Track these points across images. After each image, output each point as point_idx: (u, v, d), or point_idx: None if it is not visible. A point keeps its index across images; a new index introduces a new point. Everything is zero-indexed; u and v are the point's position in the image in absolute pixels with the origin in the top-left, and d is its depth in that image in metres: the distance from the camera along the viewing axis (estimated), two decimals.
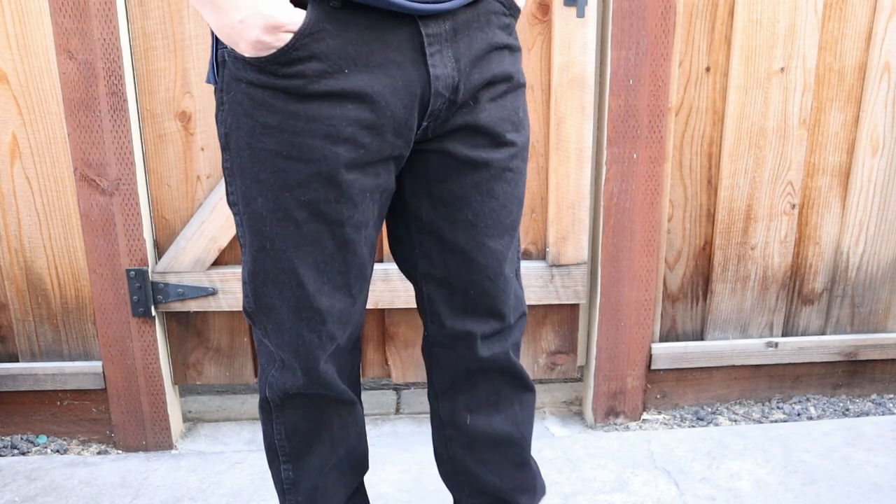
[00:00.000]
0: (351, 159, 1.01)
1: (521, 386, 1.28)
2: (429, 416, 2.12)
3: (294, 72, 0.97)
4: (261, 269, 1.08)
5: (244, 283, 1.11)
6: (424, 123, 1.05)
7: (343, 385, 1.20)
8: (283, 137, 0.99)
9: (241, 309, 1.88)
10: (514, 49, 1.11)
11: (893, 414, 2.07)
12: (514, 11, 1.10)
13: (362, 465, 1.31)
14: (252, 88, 0.99)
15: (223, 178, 0.98)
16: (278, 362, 1.16)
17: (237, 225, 1.11)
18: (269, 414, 1.21)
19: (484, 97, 1.07)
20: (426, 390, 2.22)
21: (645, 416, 2.06)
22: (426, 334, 1.26)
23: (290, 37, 0.94)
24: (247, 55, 0.96)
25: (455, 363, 1.23)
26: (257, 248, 1.07)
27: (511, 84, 1.10)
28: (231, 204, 1.09)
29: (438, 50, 1.01)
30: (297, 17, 0.94)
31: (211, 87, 1.79)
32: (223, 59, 1.01)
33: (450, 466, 1.32)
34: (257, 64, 0.97)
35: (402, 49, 0.99)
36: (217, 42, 1.02)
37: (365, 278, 1.13)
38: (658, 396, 2.06)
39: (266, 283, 1.08)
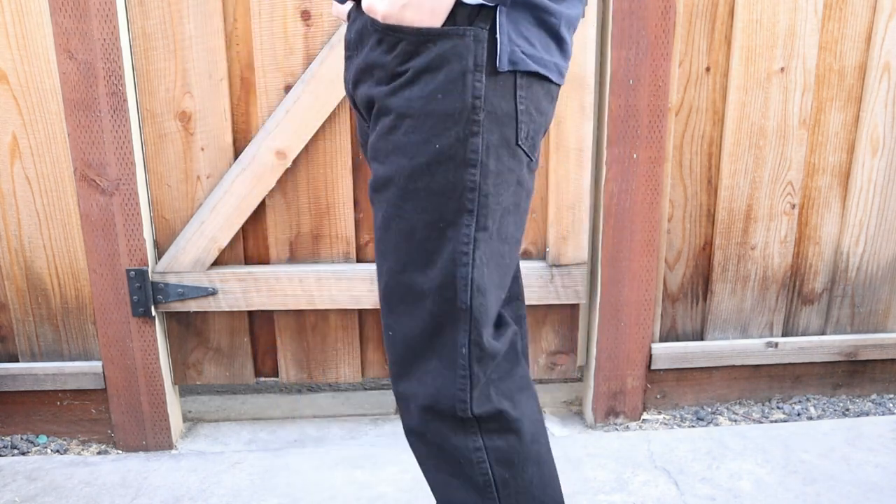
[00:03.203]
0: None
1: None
2: None
3: None
4: None
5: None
6: (366, 124, 1.09)
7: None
8: None
9: (240, 308, 1.89)
10: (388, 69, 0.99)
11: (893, 414, 2.06)
12: (378, 25, 0.99)
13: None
14: None
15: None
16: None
17: None
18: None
19: (371, 115, 1.04)
20: None
21: (645, 416, 2.06)
22: None
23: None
24: None
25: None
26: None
27: (377, 109, 1.01)
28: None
29: (349, 56, 1.07)
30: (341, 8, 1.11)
31: (211, 88, 1.80)
32: None
33: None
34: None
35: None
36: None
37: None
38: (658, 396, 2.06)
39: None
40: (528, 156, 1.02)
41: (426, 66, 0.95)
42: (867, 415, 2.06)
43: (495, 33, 0.95)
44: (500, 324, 1.10)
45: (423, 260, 1.01)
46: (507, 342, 1.08)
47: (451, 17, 0.95)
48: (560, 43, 1.01)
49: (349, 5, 1.11)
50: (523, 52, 0.97)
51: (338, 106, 1.80)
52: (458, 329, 1.03)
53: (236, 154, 1.84)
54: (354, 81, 1.06)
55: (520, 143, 1.00)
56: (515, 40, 0.96)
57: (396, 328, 1.06)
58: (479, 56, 0.95)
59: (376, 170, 1.02)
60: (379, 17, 0.96)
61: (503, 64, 0.96)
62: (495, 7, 0.95)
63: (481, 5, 0.95)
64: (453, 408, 1.04)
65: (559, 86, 1.05)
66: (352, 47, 1.06)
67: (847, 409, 2.08)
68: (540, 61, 0.98)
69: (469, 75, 0.95)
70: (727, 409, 2.08)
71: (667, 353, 2.00)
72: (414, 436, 1.10)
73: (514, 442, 1.08)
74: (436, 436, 1.07)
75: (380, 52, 0.99)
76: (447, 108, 0.96)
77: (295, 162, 1.83)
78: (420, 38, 0.95)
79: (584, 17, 1.75)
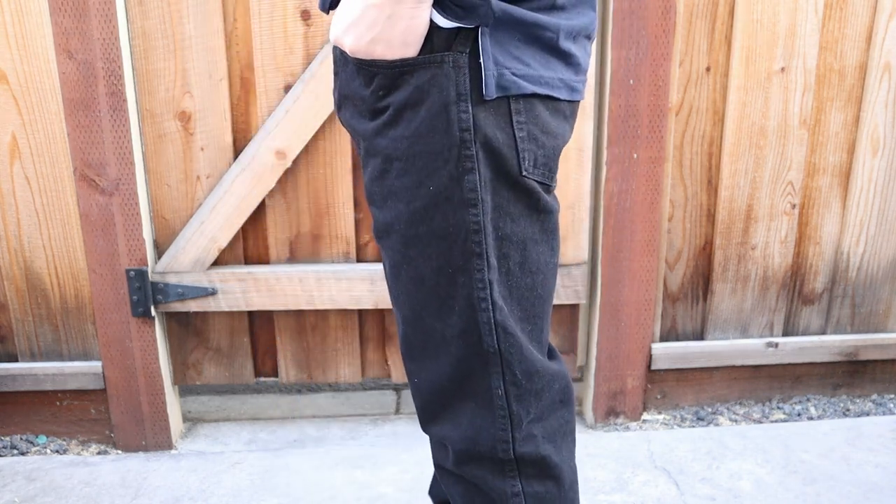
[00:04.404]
0: None
1: None
2: None
3: None
4: None
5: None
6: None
7: None
8: None
9: (240, 308, 1.88)
10: (370, 105, 0.91)
11: (894, 414, 2.06)
12: (353, 60, 0.90)
13: None
14: None
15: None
16: None
17: None
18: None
19: (359, 148, 0.97)
20: None
21: (645, 416, 2.06)
22: None
23: None
24: None
25: None
26: None
27: (365, 147, 0.93)
28: None
29: (336, 72, 1.00)
30: None
31: (211, 88, 1.80)
32: None
33: None
34: None
35: None
36: None
37: None
38: (658, 396, 2.06)
39: None
40: (540, 182, 0.93)
41: (405, 102, 0.87)
42: (867, 415, 2.05)
43: (478, 57, 0.85)
44: (551, 355, 1.03)
45: (438, 307, 0.94)
46: (553, 378, 1.01)
47: (428, 44, 0.85)
48: (563, 56, 0.91)
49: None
50: (514, 74, 0.87)
51: None
52: (490, 372, 0.96)
53: (236, 154, 1.84)
54: (338, 104, 1.00)
55: (525, 173, 0.90)
56: (504, 62, 0.86)
57: (421, 375, 1.00)
58: (462, 84, 0.85)
59: (375, 215, 0.95)
60: (347, 51, 0.88)
61: (490, 91, 0.86)
62: (476, 28, 0.85)
63: (459, 28, 0.85)
64: (494, 449, 0.98)
65: (573, 101, 0.95)
66: (337, 63, 0.99)
67: (847, 410, 2.08)
68: (538, 80, 0.88)
69: (452, 107, 0.86)
70: (727, 409, 2.08)
71: (667, 353, 2.00)
72: (448, 474, 1.05)
73: (552, 489, 1.03)
74: (473, 477, 1.01)
75: (358, 84, 0.92)
76: (434, 146, 0.87)
77: (295, 162, 1.83)
78: (395, 70, 0.86)
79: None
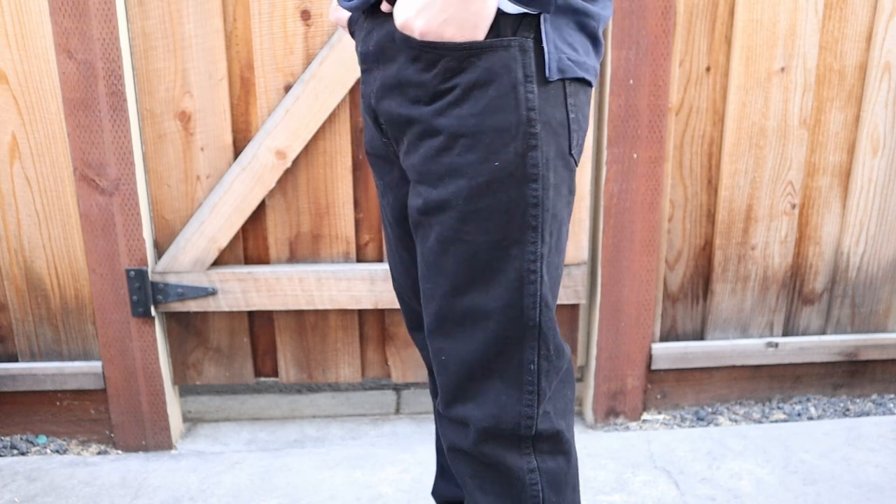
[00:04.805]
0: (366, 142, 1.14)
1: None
2: (429, 415, 2.12)
3: None
4: None
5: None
6: (384, 139, 1.07)
7: None
8: None
9: (240, 308, 1.88)
10: (431, 89, 0.94)
11: (894, 414, 2.06)
12: (414, 41, 0.93)
13: None
14: None
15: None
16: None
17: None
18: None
19: (404, 137, 1.00)
20: (426, 389, 2.22)
21: (645, 416, 2.06)
22: None
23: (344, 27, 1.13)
24: None
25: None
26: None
27: (420, 130, 0.97)
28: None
29: (367, 69, 1.02)
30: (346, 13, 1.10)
31: (211, 88, 1.80)
32: None
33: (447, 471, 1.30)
34: None
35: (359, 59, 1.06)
36: None
37: (394, 265, 1.19)
38: (658, 396, 2.06)
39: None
40: (576, 163, 1.01)
41: (474, 82, 0.91)
42: (868, 415, 2.05)
43: (541, 42, 0.92)
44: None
45: (485, 281, 0.97)
46: (566, 360, 1.06)
47: (494, 28, 0.91)
48: (597, 45, 0.99)
49: (349, 14, 1.09)
50: (569, 59, 0.93)
51: (338, 106, 1.80)
52: (526, 347, 1.00)
53: (236, 154, 1.84)
54: (379, 95, 1.00)
55: (572, 152, 0.98)
56: (561, 47, 0.93)
57: (452, 352, 1.02)
58: (528, 66, 0.91)
59: (426, 193, 0.97)
60: (416, 35, 0.91)
61: (553, 72, 0.92)
62: (538, 15, 0.91)
63: (524, 14, 0.91)
64: (518, 426, 1.02)
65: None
66: (370, 60, 1.01)
67: (847, 410, 2.08)
68: (584, 66, 0.95)
69: (520, 87, 0.91)
70: (727, 409, 2.08)
71: (667, 353, 2.00)
72: (462, 456, 1.06)
73: (563, 464, 1.06)
74: (490, 456, 1.04)
75: (416, 70, 0.94)
76: (503, 123, 0.92)
77: (295, 162, 1.83)
78: (464, 53, 0.90)
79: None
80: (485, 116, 0.92)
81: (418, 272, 1.04)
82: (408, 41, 0.93)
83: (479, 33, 0.89)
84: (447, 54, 0.91)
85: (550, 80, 0.93)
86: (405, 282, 1.20)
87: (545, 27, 0.92)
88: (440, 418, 1.10)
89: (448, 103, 0.93)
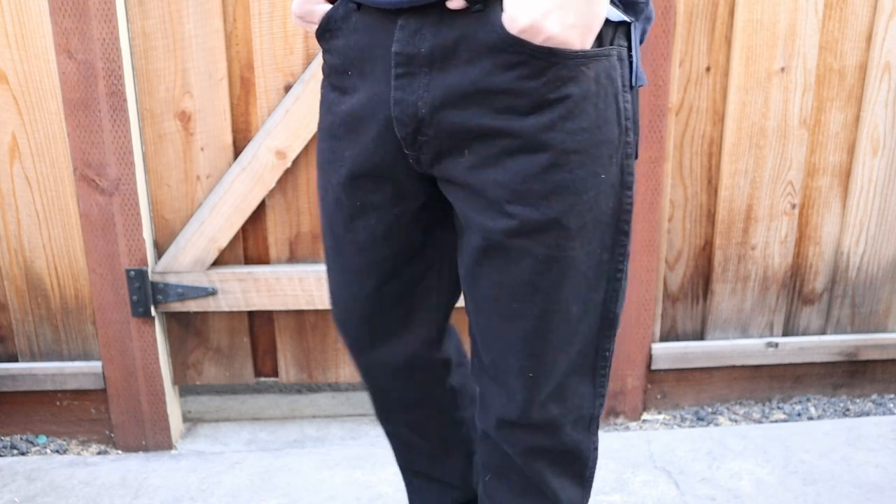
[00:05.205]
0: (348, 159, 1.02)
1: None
2: None
3: (325, 60, 1.03)
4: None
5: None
6: (407, 152, 0.96)
7: None
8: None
9: (240, 308, 1.89)
10: (529, 96, 0.87)
11: (894, 414, 2.06)
12: (519, 45, 0.85)
13: None
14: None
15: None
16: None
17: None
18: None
19: (476, 149, 0.92)
20: None
21: (645, 416, 2.06)
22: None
23: (314, 24, 1.01)
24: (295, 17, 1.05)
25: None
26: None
27: (514, 144, 0.89)
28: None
29: (408, 72, 0.91)
30: (324, 7, 0.99)
31: (211, 88, 1.79)
32: None
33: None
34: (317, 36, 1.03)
35: (380, 61, 0.93)
36: None
37: (348, 291, 1.13)
38: (658, 396, 2.06)
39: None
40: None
41: (585, 93, 0.87)
42: (868, 415, 2.05)
43: (630, 50, 0.91)
44: None
45: (584, 290, 0.96)
46: None
47: (598, 37, 0.88)
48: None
49: (328, 7, 1.00)
50: (639, 65, 0.94)
51: None
52: (606, 336, 1.02)
53: (236, 154, 1.84)
54: (437, 105, 0.91)
55: (637, 151, 0.98)
56: (636, 56, 0.92)
57: (544, 363, 1.00)
58: (624, 76, 0.90)
59: (523, 213, 0.91)
60: (540, 40, 0.84)
61: (640, 80, 0.92)
62: (630, 23, 0.90)
63: (620, 22, 0.89)
64: (593, 409, 1.06)
65: None
66: (419, 63, 0.91)
67: (847, 410, 2.08)
68: (641, 73, 0.95)
69: (620, 97, 0.90)
70: (727, 409, 2.08)
71: (667, 353, 2.00)
72: (540, 452, 1.07)
73: (596, 440, 1.11)
74: (570, 444, 1.07)
75: (514, 77, 0.87)
76: (609, 135, 0.90)
77: (295, 162, 1.83)
78: (577, 61, 0.86)
79: None
80: (595, 131, 0.89)
81: (482, 293, 0.98)
82: (506, 45, 0.86)
83: (589, 41, 0.85)
84: (561, 62, 0.85)
85: (634, 87, 0.93)
86: (359, 304, 1.12)
87: (634, 35, 0.91)
88: (503, 429, 1.06)
89: (559, 117, 0.87)
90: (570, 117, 0.87)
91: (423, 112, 0.92)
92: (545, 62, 0.85)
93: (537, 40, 0.84)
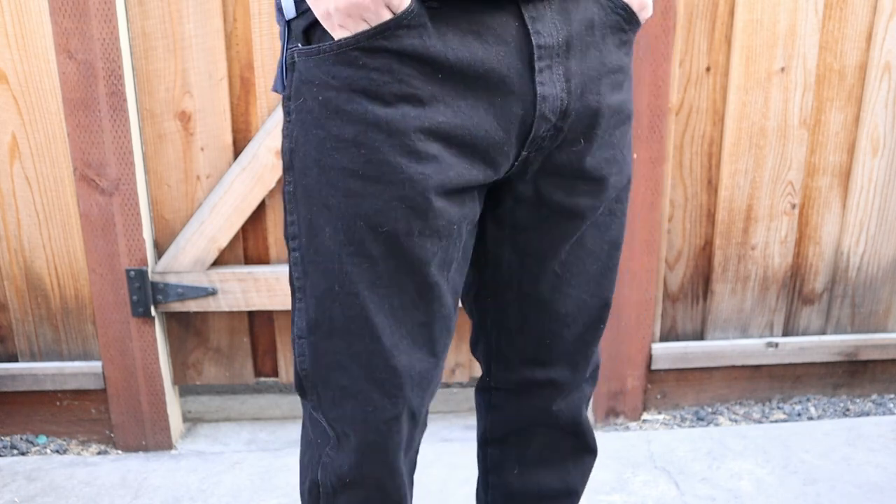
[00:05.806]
0: (440, 182, 0.84)
1: (583, 447, 1.17)
2: (433, 417, 2.12)
3: (379, 65, 0.80)
4: (326, 317, 0.88)
5: (299, 338, 0.91)
6: (524, 153, 0.90)
7: (404, 478, 0.99)
8: (358, 152, 0.82)
9: (240, 308, 1.88)
10: (628, 73, 0.95)
11: (894, 414, 2.06)
12: (634, 25, 0.93)
13: None
14: (325, 91, 0.82)
15: (283, 206, 0.91)
16: (333, 439, 0.95)
17: (294, 263, 0.90)
18: (318, 501, 1.00)
19: (593, 133, 0.92)
20: None
21: (645, 416, 2.06)
22: (487, 378, 1.14)
23: (389, 15, 0.79)
24: (336, 26, 0.80)
25: (517, 412, 1.13)
26: (323, 290, 0.87)
27: (621, 117, 0.95)
28: (289, 237, 0.90)
29: (549, 65, 0.86)
30: None
31: (211, 88, 1.79)
32: (292, 60, 0.85)
33: None
34: (338, 50, 0.80)
35: (507, 59, 0.84)
36: (287, 41, 0.87)
37: (450, 333, 0.95)
38: (658, 396, 2.06)
39: (331, 335, 0.88)
40: None
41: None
42: (867, 415, 2.05)
43: None
44: None
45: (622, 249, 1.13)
46: None
47: None
48: None
49: None
50: None
51: None
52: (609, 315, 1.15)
53: (236, 154, 1.84)
54: (578, 93, 0.89)
55: None
56: None
57: (595, 348, 1.13)
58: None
59: (628, 169, 1.00)
60: (645, 17, 0.94)
61: None
62: None
63: None
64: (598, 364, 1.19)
65: None
66: (560, 52, 0.87)
67: (847, 410, 2.08)
68: None
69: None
70: (727, 409, 2.08)
71: (667, 353, 2.00)
72: (586, 405, 1.18)
73: None
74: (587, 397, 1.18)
75: (622, 55, 0.93)
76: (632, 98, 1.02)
77: None
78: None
79: None
80: (632, 94, 0.99)
81: (567, 279, 1.04)
82: (622, 23, 0.92)
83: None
84: (634, 30, 0.94)
85: None
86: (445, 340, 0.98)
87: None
88: (571, 394, 1.12)
89: (630, 86, 0.97)
90: (631, 86, 0.98)
91: (567, 104, 0.88)
92: (633, 36, 0.94)
93: (647, 15, 0.94)
